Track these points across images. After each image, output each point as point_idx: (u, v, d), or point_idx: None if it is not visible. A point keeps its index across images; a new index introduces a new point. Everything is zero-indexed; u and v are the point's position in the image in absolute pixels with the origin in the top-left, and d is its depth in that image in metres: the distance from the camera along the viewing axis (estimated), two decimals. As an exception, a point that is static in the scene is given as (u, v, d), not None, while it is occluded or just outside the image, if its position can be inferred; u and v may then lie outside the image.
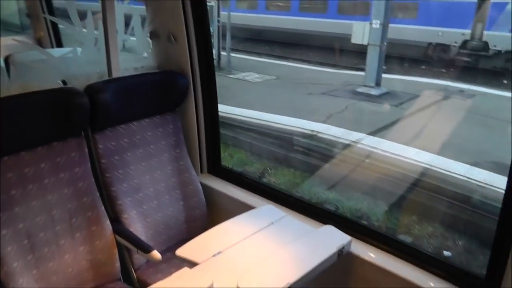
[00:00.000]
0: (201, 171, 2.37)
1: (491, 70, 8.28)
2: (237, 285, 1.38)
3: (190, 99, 2.21)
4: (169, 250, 2.07)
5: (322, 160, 5.01)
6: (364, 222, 3.76)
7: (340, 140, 5.24)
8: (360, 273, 1.75)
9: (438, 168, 4.29)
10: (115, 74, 2.00)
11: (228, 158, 5.22)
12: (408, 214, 4.01)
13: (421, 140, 5.13)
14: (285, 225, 1.76)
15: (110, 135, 1.90)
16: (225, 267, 1.50)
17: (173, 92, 2.10)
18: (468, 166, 4.27)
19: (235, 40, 10.62)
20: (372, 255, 1.72)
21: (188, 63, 2.15)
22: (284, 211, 1.87)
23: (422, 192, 4.15)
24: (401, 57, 9.17)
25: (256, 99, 7.11)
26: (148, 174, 2.04)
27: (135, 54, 2.30)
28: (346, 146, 5.15)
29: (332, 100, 7.12)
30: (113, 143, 1.90)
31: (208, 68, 2.20)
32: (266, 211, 1.86)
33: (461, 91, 7.34)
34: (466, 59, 8.69)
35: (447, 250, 3.56)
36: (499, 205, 1.46)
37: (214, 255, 1.54)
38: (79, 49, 2.11)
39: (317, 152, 5.11)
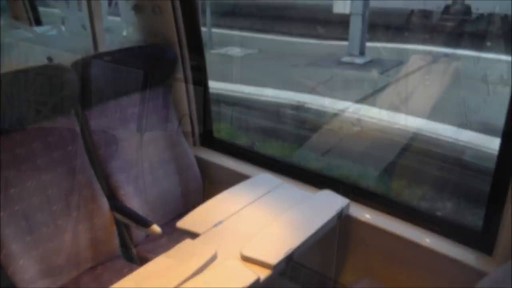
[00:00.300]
0: (194, 144, 2.36)
1: (474, 33, 8.30)
2: (240, 253, 1.39)
3: (179, 71, 2.17)
4: (167, 225, 2.06)
5: (310, 130, 5.00)
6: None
7: (327, 110, 5.25)
8: (359, 234, 1.78)
9: (426, 131, 4.33)
10: (101, 49, 1.96)
11: (215, 134, 5.18)
12: (398, 179, 4.06)
13: (408, 105, 5.16)
14: (282, 192, 1.77)
15: (101, 111, 1.87)
16: (227, 236, 1.51)
17: (161, 65, 2.07)
18: (455, 128, 4.32)
19: (215, 15, 10.43)
20: (368, 216, 1.75)
21: (175, 35, 2.10)
22: (280, 178, 1.89)
23: (410, 156, 4.19)
24: (384, 25, 9.13)
25: (239, 73, 7.03)
26: (141, 149, 2.02)
27: (110, 35, 2.23)
28: (334, 115, 5.16)
29: (317, 71, 7.08)
30: (104, 119, 1.88)
31: (196, 39, 2.16)
32: (263, 179, 1.87)
33: (446, 55, 7.34)
34: (449, 23, 8.68)
35: (437, 211, 3.63)
36: (486, 164, 1.48)
37: (215, 225, 1.55)
38: (62, 27, 2.06)
39: (305, 123, 5.11)
